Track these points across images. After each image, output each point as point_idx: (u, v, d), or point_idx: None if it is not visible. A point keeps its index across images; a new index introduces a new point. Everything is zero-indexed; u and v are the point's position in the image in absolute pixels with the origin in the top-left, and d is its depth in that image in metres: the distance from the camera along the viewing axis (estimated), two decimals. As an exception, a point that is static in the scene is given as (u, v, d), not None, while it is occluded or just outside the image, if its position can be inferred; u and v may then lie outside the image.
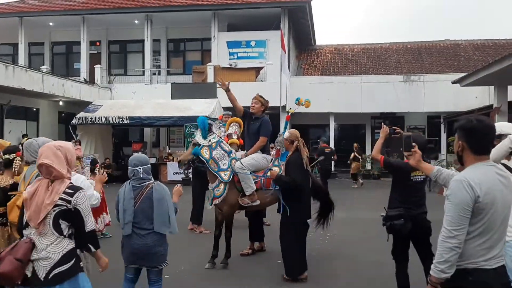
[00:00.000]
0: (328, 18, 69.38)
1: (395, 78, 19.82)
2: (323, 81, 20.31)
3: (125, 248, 3.93)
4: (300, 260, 5.37)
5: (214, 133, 5.93)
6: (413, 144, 3.00)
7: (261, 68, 19.51)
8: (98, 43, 22.59)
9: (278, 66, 17.72)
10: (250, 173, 5.85)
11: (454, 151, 2.56)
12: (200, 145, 5.80)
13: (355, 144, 18.31)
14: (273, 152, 6.68)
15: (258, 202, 5.90)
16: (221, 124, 6.24)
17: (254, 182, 5.91)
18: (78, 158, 8.52)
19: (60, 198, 2.73)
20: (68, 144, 3.01)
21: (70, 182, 2.86)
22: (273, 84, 18.10)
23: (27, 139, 4.41)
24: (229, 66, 19.66)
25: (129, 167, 3.96)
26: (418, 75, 19.94)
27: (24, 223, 2.78)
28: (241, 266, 6.21)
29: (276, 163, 6.07)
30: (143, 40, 20.84)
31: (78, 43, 21.08)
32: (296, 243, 5.33)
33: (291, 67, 21.17)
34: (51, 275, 2.69)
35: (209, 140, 5.84)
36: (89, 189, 3.90)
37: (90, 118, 16.92)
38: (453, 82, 16.71)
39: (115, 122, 16.95)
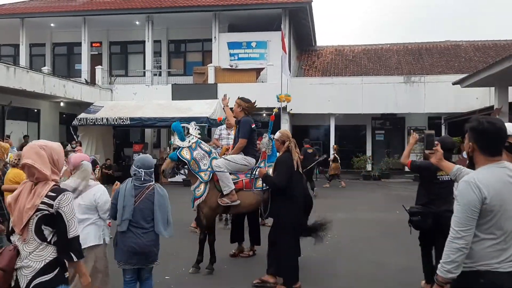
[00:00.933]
0: (328, 19, 69.44)
1: (395, 79, 19.83)
2: (324, 82, 20.33)
3: (119, 247, 3.95)
4: (296, 266, 5.10)
5: (191, 134, 5.95)
6: (436, 142, 3.04)
7: (261, 69, 19.52)
8: (99, 44, 22.62)
9: (279, 67, 17.71)
10: (231, 173, 5.82)
11: (465, 152, 2.58)
12: (180, 148, 5.80)
13: (334, 146, 18.40)
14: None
15: (238, 202, 5.82)
16: (197, 126, 6.18)
17: (235, 182, 5.86)
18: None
19: (42, 202, 2.52)
20: (54, 144, 2.78)
21: (55, 184, 2.64)
22: (274, 85, 18.10)
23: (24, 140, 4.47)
24: (229, 67, 19.67)
25: (133, 166, 4.03)
26: (419, 76, 19.95)
27: (10, 229, 2.62)
28: (246, 266, 6.22)
29: (262, 165, 5.98)
30: (144, 41, 20.86)
31: (79, 44, 21.10)
32: (291, 248, 5.06)
33: (292, 68, 21.18)
34: (32, 285, 2.48)
35: (189, 141, 5.86)
36: (109, 203, 4.08)
37: (91, 119, 16.94)
38: (454, 83, 16.72)
39: (116, 123, 16.96)
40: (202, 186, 5.77)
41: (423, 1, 66.66)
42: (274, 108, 7.37)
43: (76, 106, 19.20)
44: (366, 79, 20.06)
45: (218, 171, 5.75)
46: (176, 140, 5.91)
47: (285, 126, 19.43)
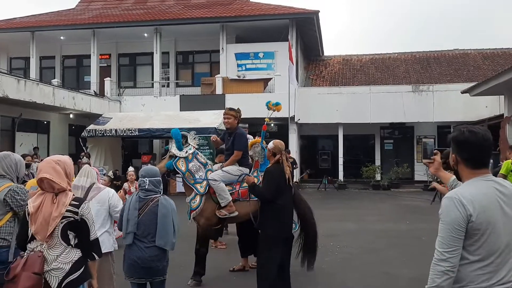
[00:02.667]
0: (336, 28, 69.62)
1: (404, 88, 19.75)
2: (332, 91, 20.31)
3: (126, 260, 3.92)
4: (270, 284, 4.71)
5: (189, 144, 5.91)
6: (434, 151, 2.93)
7: (269, 79, 19.57)
8: (108, 56, 22.85)
9: (286, 77, 17.75)
10: (227, 184, 5.75)
11: (450, 165, 2.39)
12: (177, 157, 5.76)
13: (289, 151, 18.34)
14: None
15: (236, 213, 5.75)
16: (196, 135, 6.14)
17: (231, 193, 5.78)
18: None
19: (67, 210, 2.81)
20: (66, 158, 3.09)
21: (73, 194, 2.94)
22: (281, 95, 18.08)
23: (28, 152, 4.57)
24: (237, 78, 19.75)
25: (139, 178, 4.02)
26: (427, 85, 19.85)
27: (29, 237, 2.81)
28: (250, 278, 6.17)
29: (255, 174, 5.89)
30: (152, 53, 21.04)
31: (89, 56, 21.35)
32: (268, 263, 4.72)
33: (300, 78, 21.22)
34: (63, 284, 2.76)
35: (186, 152, 5.82)
36: (119, 203, 4.24)
37: (100, 131, 17.04)
38: (463, 92, 16.62)
39: (125, 134, 17.05)
40: (197, 198, 5.73)
41: (431, 11, 66.65)
42: (266, 118, 7.26)
43: (85, 118, 19.35)
44: (374, 89, 20.01)
45: (214, 184, 5.68)
46: (173, 148, 5.85)
47: (293, 136, 19.41)
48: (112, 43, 22.25)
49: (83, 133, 17.18)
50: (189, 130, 6.54)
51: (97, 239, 2.98)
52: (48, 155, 15.33)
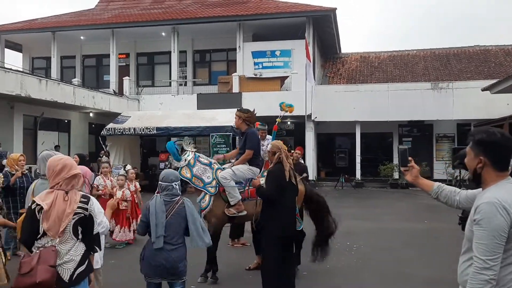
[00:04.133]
0: (353, 25, 69.01)
1: (423, 86, 19.49)
2: (349, 89, 20.18)
3: (147, 262, 3.92)
4: (274, 282, 4.75)
5: (186, 150, 5.97)
6: (409, 158, 2.76)
7: (286, 77, 19.56)
8: (126, 56, 23.16)
9: (303, 75, 17.72)
10: (236, 183, 5.76)
11: (470, 169, 2.33)
12: (179, 168, 5.81)
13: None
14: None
15: (245, 212, 5.78)
16: (190, 140, 6.19)
17: (241, 192, 5.80)
18: (108, 169, 8.74)
19: (78, 207, 2.99)
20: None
21: (80, 191, 3.15)
22: (298, 93, 18.10)
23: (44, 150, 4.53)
24: (254, 76, 19.80)
25: (163, 183, 3.99)
26: (447, 82, 19.55)
27: (41, 233, 2.94)
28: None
29: (265, 174, 5.86)
30: (170, 52, 21.23)
31: (108, 55, 21.67)
32: (271, 263, 4.76)
33: (316, 76, 21.13)
34: (75, 275, 2.95)
35: (185, 160, 5.88)
36: (99, 215, 3.63)
37: (119, 129, 17.30)
38: (483, 89, 16.34)
39: (143, 132, 17.27)
40: (207, 198, 5.78)
41: (452, 8, 65.51)
42: (277, 118, 7.28)
43: (105, 117, 19.66)
44: (392, 86, 19.79)
45: (224, 183, 5.72)
46: (173, 161, 5.97)
47: (310, 135, 19.37)
48: (131, 43, 22.54)
49: (102, 132, 17.46)
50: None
51: (98, 233, 3.22)
52: (69, 154, 15.66)
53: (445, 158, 19.67)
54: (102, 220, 3.61)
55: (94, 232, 3.12)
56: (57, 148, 17.32)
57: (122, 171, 9.15)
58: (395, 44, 71.06)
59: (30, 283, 2.78)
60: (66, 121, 19.40)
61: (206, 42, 22.08)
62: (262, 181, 5.16)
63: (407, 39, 64.52)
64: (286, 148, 5.13)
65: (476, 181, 2.33)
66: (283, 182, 4.77)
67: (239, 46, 20.33)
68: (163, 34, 21.48)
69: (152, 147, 22.43)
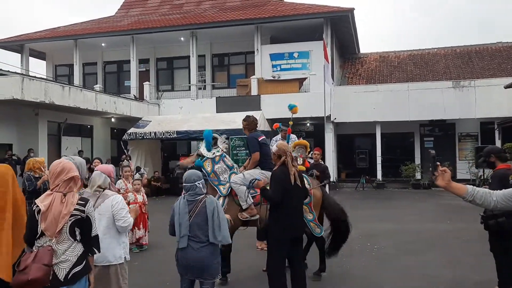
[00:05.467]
0: (372, 25, 68.36)
1: (444, 84, 19.18)
2: (368, 89, 20.01)
3: (180, 261, 4.03)
4: (279, 284, 4.77)
5: (218, 146, 6.05)
6: (437, 164, 2.75)
7: (304, 79, 19.54)
8: (146, 61, 23.49)
9: (322, 77, 17.66)
10: (249, 187, 5.69)
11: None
12: (204, 157, 5.90)
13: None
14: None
15: (257, 216, 5.76)
16: (226, 140, 6.26)
17: (253, 196, 5.81)
18: (130, 172, 8.89)
19: (75, 209, 3.10)
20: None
21: (78, 194, 3.25)
22: (317, 94, 18.06)
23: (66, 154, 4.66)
24: (272, 78, 19.83)
25: (186, 184, 4.06)
26: (468, 80, 19.19)
27: (39, 233, 3.09)
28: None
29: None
30: (189, 56, 21.44)
31: (128, 61, 22.02)
32: (275, 265, 4.79)
33: (335, 77, 21.04)
34: (70, 275, 3.07)
35: (213, 153, 5.96)
36: (122, 211, 3.96)
37: (140, 134, 17.56)
38: (506, 87, 16.01)
39: (164, 136, 17.49)
40: (220, 200, 5.82)
41: (473, 5, 64.29)
42: (290, 121, 7.34)
43: (126, 121, 19.98)
44: (413, 85, 19.54)
45: (235, 187, 5.78)
46: (202, 148, 6.04)
47: (329, 136, 19.28)
48: (151, 48, 22.86)
49: (124, 136, 17.75)
50: (223, 133, 6.69)
51: (97, 235, 3.26)
52: (91, 158, 15.94)
53: (468, 158, 19.30)
54: (125, 216, 3.91)
55: (93, 234, 3.20)
56: (80, 153, 17.69)
57: (137, 175, 9.24)
58: (415, 43, 70.12)
59: (23, 280, 2.92)
60: (88, 126, 19.78)
61: (225, 46, 22.23)
62: None
63: (427, 38, 63.58)
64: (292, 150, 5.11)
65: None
66: (287, 185, 4.75)
67: (257, 49, 20.40)
68: (182, 39, 21.71)
69: (172, 150, 22.68)
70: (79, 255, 3.12)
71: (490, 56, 22.64)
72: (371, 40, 66.16)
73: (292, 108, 7.39)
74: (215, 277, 4.07)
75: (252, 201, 5.81)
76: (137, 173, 14.81)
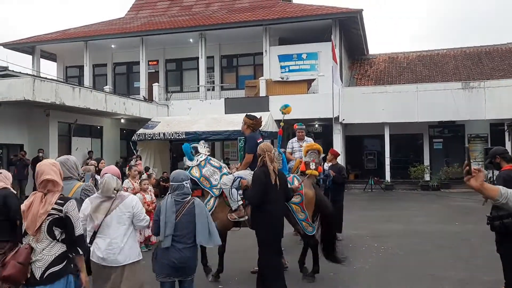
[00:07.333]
0: (381, 26, 68.09)
1: (453, 85, 19.06)
2: (377, 90, 19.96)
3: (159, 261, 4.02)
4: (280, 286, 4.80)
5: (200, 152, 6.17)
6: (474, 167, 2.68)
7: (312, 80, 19.54)
8: (155, 62, 23.66)
9: (330, 78, 17.66)
10: (233, 187, 5.72)
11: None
12: (190, 167, 6.03)
13: None
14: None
15: (246, 217, 5.76)
16: (205, 144, 6.39)
17: (243, 197, 5.78)
18: (139, 173, 8.99)
19: (53, 208, 3.14)
20: (57, 161, 3.61)
21: (61, 194, 3.27)
22: (325, 95, 18.07)
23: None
24: (280, 80, 19.87)
25: (174, 183, 4.10)
26: (478, 81, 19.07)
27: (23, 231, 3.19)
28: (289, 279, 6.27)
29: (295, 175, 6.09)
30: (198, 58, 21.55)
31: (138, 63, 22.19)
32: (268, 266, 4.83)
33: (344, 78, 21.02)
34: (45, 275, 3.08)
35: (197, 160, 6.10)
36: (144, 211, 4.15)
37: (149, 134, 17.69)
38: (516, 88, 15.87)
39: (172, 137, 17.60)
40: (211, 201, 5.92)
41: (482, 5, 63.77)
42: (281, 122, 7.34)
43: (135, 122, 20.13)
44: (422, 87, 19.46)
45: (224, 188, 5.84)
46: (186, 161, 6.23)
47: (338, 137, 19.26)
48: (160, 49, 23.02)
49: (133, 137, 17.89)
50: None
51: (81, 235, 3.27)
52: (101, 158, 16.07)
53: (478, 159, 19.17)
54: (145, 216, 4.03)
55: (77, 234, 3.19)
56: (90, 153, 17.87)
57: (144, 175, 9.34)
58: (424, 44, 69.68)
59: (1, 276, 3.02)
60: (98, 127, 19.96)
61: (233, 47, 22.32)
62: None
63: (437, 39, 63.21)
64: (273, 151, 5.09)
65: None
66: (267, 185, 4.75)
67: (266, 50, 20.46)
68: (191, 40, 21.84)
69: (181, 151, 22.67)
70: (57, 255, 3.13)
71: (500, 57, 22.47)
72: (380, 40, 65.95)
73: (284, 108, 7.34)
74: (193, 276, 4.15)
75: (241, 202, 5.81)
76: (145, 174, 14.93)
